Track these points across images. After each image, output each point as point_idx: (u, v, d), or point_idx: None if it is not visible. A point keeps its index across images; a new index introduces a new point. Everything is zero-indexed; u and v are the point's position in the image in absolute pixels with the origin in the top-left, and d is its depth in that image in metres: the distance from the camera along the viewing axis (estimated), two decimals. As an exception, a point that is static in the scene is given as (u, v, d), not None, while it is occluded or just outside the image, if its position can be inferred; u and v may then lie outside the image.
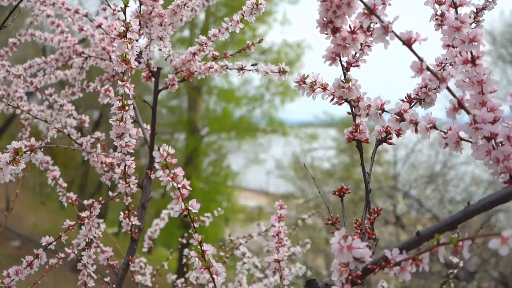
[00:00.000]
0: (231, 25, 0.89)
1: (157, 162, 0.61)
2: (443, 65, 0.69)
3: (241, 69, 0.95)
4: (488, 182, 6.83)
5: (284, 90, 12.20)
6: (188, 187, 0.63)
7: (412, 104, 0.69)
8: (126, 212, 0.96)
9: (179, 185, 0.62)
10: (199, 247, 0.65)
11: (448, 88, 0.51)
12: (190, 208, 0.63)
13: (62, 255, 1.13)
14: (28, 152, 0.64)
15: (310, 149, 8.67)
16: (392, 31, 0.50)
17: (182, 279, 1.32)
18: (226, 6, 9.95)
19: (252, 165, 12.96)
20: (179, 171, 0.62)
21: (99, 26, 1.05)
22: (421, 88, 0.68)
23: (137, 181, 0.90)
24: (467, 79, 0.54)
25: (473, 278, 5.60)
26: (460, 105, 0.51)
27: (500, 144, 0.52)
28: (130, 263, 0.99)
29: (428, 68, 0.50)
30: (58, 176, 1.12)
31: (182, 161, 11.59)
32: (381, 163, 9.13)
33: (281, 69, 0.83)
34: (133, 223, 0.97)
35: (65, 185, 1.12)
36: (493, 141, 0.53)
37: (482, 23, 0.71)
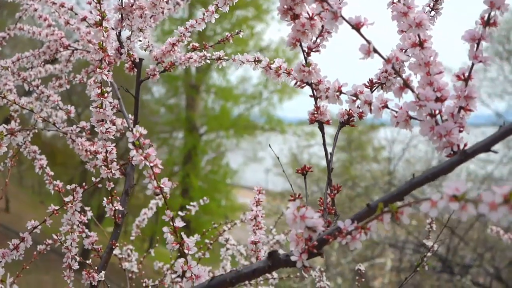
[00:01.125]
0: (207, 15, 0.93)
1: (130, 142, 0.65)
2: (403, 50, 0.72)
3: (218, 58, 0.99)
4: (483, 177, 6.88)
5: (282, 88, 12.24)
6: (160, 166, 0.66)
7: (374, 88, 0.72)
8: (109, 197, 1.00)
9: (152, 164, 0.66)
10: (171, 224, 0.68)
11: (394, 69, 0.55)
12: (162, 186, 0.67)
13: (50, 241, 1.17)
14: (8, 136, 0.67)
15: (307, 145, 8.70)
16: (341, 16, 0.53)
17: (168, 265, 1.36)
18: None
19: (251, 163, 12.99)
20: (152, 151, 0.66)
21: (84, 19, 1.08)
22: (382, 72, 0.72)
23: (118, 167, 0.94)
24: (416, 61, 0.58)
25: (468, 273, 5.64)
26: (406, 84, 0.55)
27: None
28: (113, 247, 1.03)
29: (375, 50, 0.54)
30: (45, 165, 1.15)
31: (181, 160, 11.64)
32: (379, 161, 9.18)
33: (256, 59, 0.87)
34: (116, 208, 1.01)
35: (52, 173, 1.15)
36: (439, 118, 0.57)
37: (441, 10, 0.75)
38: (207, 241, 1.32)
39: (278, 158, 1.00)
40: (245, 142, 12.73)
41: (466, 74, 0.56)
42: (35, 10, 1.23)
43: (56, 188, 1.09)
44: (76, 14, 1.11)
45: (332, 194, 0.66)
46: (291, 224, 0.54)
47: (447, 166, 0.52)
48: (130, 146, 0.66)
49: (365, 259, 6.15)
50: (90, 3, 1.08)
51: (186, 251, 0.69)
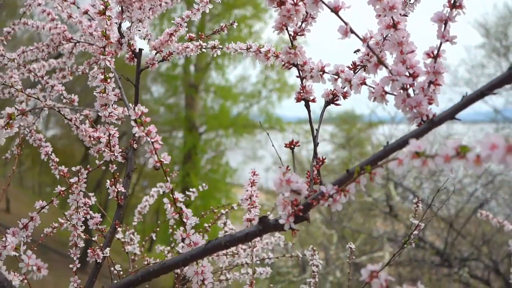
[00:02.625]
0: (201, 5, 0.99)
1: (133, 120, 0.71)
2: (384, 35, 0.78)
3: (213, 47, 1.05)
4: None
5: (281, 86, 12.30)
6: (160, 142, 0.73)
7: (357, 70, 0.78)
8: (112, 180, 1.06)
9: (153, 140, 0.72)
10: (171, 195, 0.75)
11: (369, 47, 0.61)
12: (162, 159, 0.73)
13: (56, 224, 1.23)
14: (20, 116, 0.73)
15: (306, 142, 8.76)
16: (321, 0, 0.59)
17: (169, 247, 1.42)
18: (222, 3, 10.02)
19: (251, 162, 13.03)
20: (153, 128, 0.72)
21: (86, 12, 1.14)
22: (364, 55, 0.78)
23: (121, 150, 1.00)
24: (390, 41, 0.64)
25: (465, 265, 5.70)
26: (380, 61, 0.61)
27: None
28: (116, 227, 1.09)
29: (351, 31, 0.60)
30: (50, 152, 1.21)
31: (181, 159, 11.69)
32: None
33: (249, 46, 0.93)
34: (119, 190, 1.07)
35: (57, 159, 1.21)
36: (411, 91, 0.63)
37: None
38: (206, 224, 1.38)
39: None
40: (244, 141, 12.79)
41: (435, 53, 0.62)
42: (39, 4, 1.28)
43: (62, 173, 1.16)
44: (78, 7, 1.17)
45: (317, 165, 0.72)
46: (277, 188, 0.60)
47: (416, 133, 0.58)
48: (133, 123, 0.72)
49: (364, 254, 6.22)
50: (91, -2, 1.14)
51: (185, 220, 0.75)
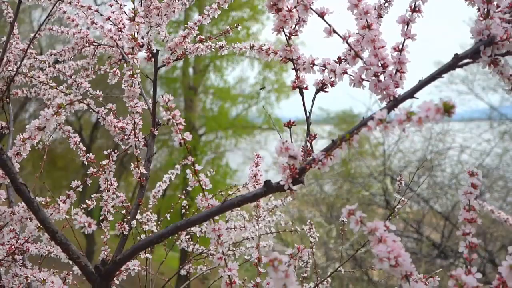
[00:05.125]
0: (211, 11, 1.16)
1: (161, 105, 0.88)
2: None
3: (221, 47, 1.22)
4: (475, 166, 7.12)
5: (279, 87, 12.48)
6: (183, 123, 0.90)
7: (342, 62, 0.95)
8: (136, 162, 1.23)
9: (177, 122, 0.89)
10: (192, 167, 0.92)
11: (348, 44, 0.78)
12: (185, 137, 0.90)
13: (84, 205, 1.40)
14: (68, 105, 0.90)
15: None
16: (310, 8, 0.77)
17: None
18: (219, 6, 10.19)
19: (250, 162, 13.12)
20: (177, 112, 0.89)
21: (108, 19, 1.31)
22: (347, 51, 0.95)
23: (144, 136, 1.17)
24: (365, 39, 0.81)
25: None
26: (356, 55, 0.78)
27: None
28: (140, 203, 1.26)
29: (334, 31, 0.77)
30: (78, 141, 1.38)
31: (181, 161, 11.85)
32: (377, 157, 9.43)
33: (251, 45, 1.10)
34: (142, 171, 1.24)
35: (84, 148, 1.39)
36: (382, 78, 0.80)
37: (393, 2, 0.98)
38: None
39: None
40: (244, 142, 12.95)
41: (400, 47, 0.79)
42: (64, 12, 1.46)
43: (89, 159, 1.33)
44: (101, 15, 1.34)
45: (310, 140, 0.89)
46: (278, 154, 0.77)
47: (388, 108, 0.75)
48: (162, 108, 0.89)
49: (362, 246, 6.39)
50: (111, 5, 1.32)
51: (204, 187, 0.92)
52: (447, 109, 0.55)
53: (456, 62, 0.72)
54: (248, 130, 12.90)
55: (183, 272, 1.71)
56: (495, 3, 0.71)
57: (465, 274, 0.67)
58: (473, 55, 0.70)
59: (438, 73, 0.72)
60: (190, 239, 1.79)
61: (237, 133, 12.85)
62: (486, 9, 0.70)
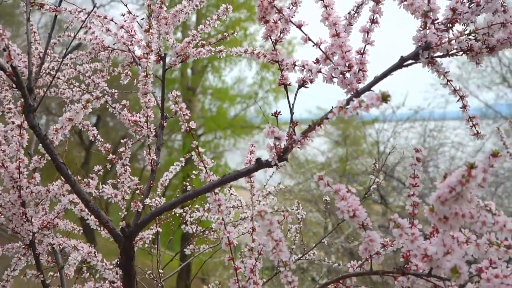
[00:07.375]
0: (212, 22, 1.37)
1: (170, 100, 1.09)
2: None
3: (220, 51, 1.43)
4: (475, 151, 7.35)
5: (277, 87, 12.67)
6: (188, 114, 1.10)
7: (319, 63, 1.16)
8: (148, 150, 1.44)
9: (184, 113, 1.10)
10: (197, 150, 1.13)
11: (320, 48, 0.99)
12: (190, 125, 1.11)
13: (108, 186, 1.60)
14: (95, 100, 1.11)
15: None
16: (290, 21, 0.98)
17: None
18: (216, 7, 10.41)
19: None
20: (183, 105, 1.10)
21: (122, 27, 1.52)
22: (321, 54, 1.16)
23: (155, 127, 1.38)
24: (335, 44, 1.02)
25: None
26: (327, 57, 0.99)
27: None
28: (151, 186, 1.46)
29: (308, 38, 0.98)
30: (96, 134, 1.59)
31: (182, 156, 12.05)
32: (374, 155, 9.64)
33: (245, 50, 1.31)
34: (153, 158, 1.45)
35: (101, 140, 1.60)
36: (348, 75, 1.01)
37: (361, 12, 1.19)
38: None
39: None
40: (242, 142, 13.15)
41: (362, 51, 1.00)
42: (82, 21, 1.66)
43: (107, 149, 1.53)
44: (116, 23, 1.55)
45: (293, 126, 1.10)
46: (266, 135, 0.98)
47: (347, 99, 0.96)
48: (170, 102, 1.10)
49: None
50: (123, 15, 1.52)
51: (206, 165, 1.13)
52: (384, 98, 0.76)
53: (402, 62, 0.93)
54: (246, 130, 13.10)
55: (187, 251, 1.92)
56: (431, 17, 0.92)
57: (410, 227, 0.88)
58: (414, 57, 0.91)
59: (388, 71, 0.93)
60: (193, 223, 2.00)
61: (235, 133, 13.04)
62: (424, 22, 0.91)
